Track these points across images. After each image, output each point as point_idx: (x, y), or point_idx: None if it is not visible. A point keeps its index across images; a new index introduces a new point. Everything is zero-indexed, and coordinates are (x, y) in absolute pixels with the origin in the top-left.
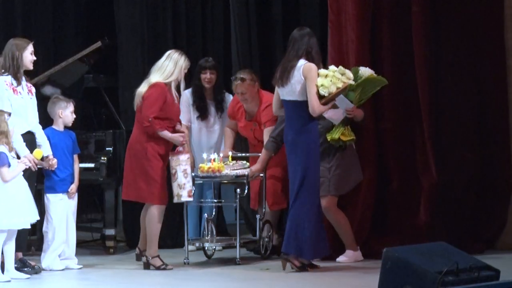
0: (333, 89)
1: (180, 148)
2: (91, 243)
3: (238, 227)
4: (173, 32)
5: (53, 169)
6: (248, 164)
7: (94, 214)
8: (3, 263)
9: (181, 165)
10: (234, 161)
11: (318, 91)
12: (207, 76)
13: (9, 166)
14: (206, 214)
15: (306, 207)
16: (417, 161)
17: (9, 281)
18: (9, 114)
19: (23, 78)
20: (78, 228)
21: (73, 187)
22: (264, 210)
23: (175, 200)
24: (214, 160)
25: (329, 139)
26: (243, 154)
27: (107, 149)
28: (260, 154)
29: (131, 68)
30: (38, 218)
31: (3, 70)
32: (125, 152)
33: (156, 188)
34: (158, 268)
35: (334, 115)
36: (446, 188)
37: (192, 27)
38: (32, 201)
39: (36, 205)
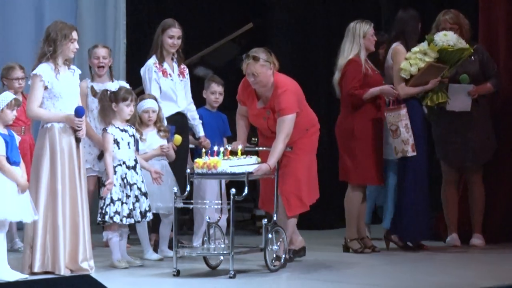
0: (414, 71)
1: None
2: (241, 223)
3: (232, 234)
4: (324, 12)
5: (206, 149)
6: (259, 159)
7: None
8: (156, 242)
9: (402, 120)
10: (244, 156)
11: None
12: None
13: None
14: (208, 217)
15: (417, 190)
16: None
17: (162, 259)
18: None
19: (174, 60)
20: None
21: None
22: (274, 214)
23: (399, 155)
24: (215, 153)
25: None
26: (260, 148)
27: None
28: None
29: (282, 49)
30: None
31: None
32: None
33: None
34: (356, 251)
35: (463, 107)
36: None
37: (343, 5)
38: (168, 186)
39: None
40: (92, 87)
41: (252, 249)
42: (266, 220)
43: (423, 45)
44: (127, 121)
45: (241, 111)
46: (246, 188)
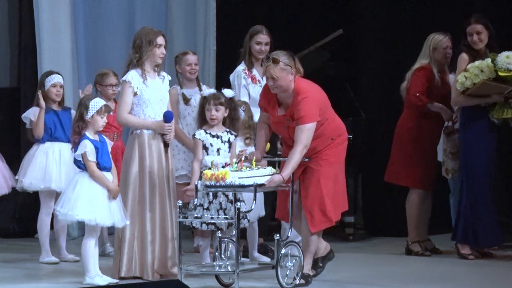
0: (468, 84)
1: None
2: (330, 229)
3: (237, 251)
4: (413, 18)
5: None
6: (273, 170)
7: None
8: (246, 247)
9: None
10: (258, 166)
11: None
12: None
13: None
14: (219, 232)
15: (475, 195)
16: None
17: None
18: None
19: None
20: None
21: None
22: (290, 229)
23: (449, 176)
24: (226, 164)
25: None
26: (277, 159)
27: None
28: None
29: (372, 56)
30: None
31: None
32: (364, 139)
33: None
34: (416, 254)
35: None
36: None
37: (432, 11)
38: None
39: None
40: (183, 94)
41: (262, 266)
42: (278, 235)
43: (485, 61)
44: (224, 125)
45: (263, 118)
46: (254, 201)
